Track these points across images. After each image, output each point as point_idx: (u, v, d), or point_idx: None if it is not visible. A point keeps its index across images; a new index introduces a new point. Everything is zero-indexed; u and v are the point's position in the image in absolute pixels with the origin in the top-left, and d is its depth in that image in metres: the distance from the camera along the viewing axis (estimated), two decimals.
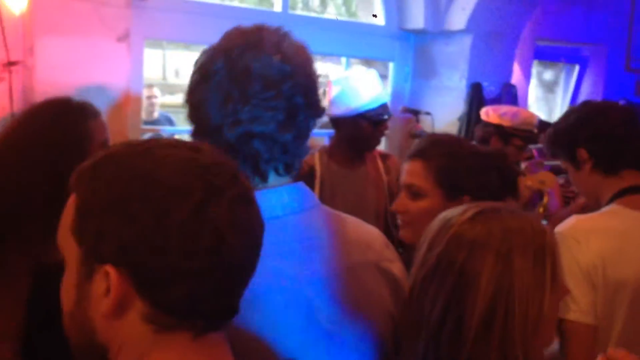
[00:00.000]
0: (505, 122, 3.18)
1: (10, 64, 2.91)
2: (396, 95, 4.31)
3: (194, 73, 1.10)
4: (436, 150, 1.67)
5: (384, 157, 2.98)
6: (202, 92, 1.06)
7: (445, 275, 1.10)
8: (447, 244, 1.11)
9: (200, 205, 0.75)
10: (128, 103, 3.17)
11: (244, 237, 0.80)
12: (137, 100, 3.39)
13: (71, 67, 2.93)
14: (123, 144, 0.84)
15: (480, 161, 1.68)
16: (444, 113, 4.19)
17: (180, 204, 0.75)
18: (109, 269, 0.76)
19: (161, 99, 5.16)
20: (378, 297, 1.14)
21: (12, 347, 1.65)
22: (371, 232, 1.22)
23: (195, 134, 1.10)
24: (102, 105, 2.97)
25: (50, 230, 1.67)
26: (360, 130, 2.71)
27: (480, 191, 1.59)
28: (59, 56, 2.90)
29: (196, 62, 1.11)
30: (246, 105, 1.02)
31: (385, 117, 2.78)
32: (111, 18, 3.00)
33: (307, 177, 2.57)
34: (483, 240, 1.09)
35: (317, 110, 1.11)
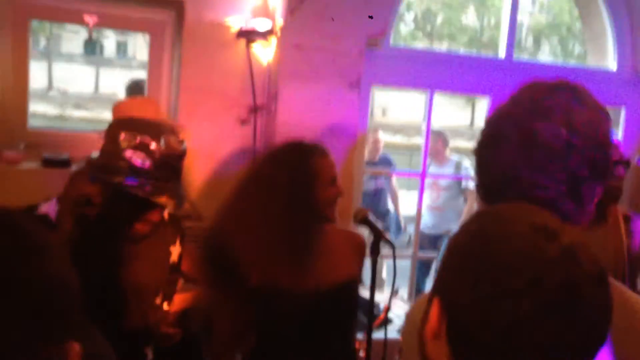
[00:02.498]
0: None
1: (257, 108, 3.26)
2: (628, 142, 4.03)
3: (486, 132, 1.15)
4: None
5: (627, 218, 2.73)
6: (491, 155, 1.10)
7: None
8: None
9: None
10: (355, 145, 3.36)
11: None
12: (362, 142, 3.58)
13: (308, 111, 3.20)
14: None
15: None
16: None
17: None
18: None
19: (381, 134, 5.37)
20: None
21: None
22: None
23: (481, 187, 1.15)
24: (332, 146, 3.20)
25: (291, 254, 1.90)
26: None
27: None
28: (299, 101, 3.18)
29: (487, 122, 1.16)
30: (531, 171, 1.05)
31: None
32: (346, 66, 3.22)
33: None
34: None
35: (604, 176, 1.10)
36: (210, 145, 3.21)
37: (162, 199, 1.70)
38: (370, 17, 3.22)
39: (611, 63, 4.08)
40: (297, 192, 1.95)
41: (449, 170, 4.94)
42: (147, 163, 1.69)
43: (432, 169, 4.87)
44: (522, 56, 19.14)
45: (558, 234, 0.78)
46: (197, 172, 3.17)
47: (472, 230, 0.83)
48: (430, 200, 4.84)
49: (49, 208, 1.72)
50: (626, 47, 4.01)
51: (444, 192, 4.94)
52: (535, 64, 5.00)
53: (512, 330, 0.73)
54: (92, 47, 24.90)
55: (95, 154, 1.78)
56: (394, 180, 5.41)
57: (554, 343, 0.73)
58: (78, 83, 23.96)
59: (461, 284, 0.79)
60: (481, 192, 1.14)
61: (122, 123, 1.77)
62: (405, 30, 21.01)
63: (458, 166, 4.96)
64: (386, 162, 5.07)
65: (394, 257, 1.83)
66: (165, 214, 1.94)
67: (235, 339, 2.03)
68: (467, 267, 0.79)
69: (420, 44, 21.15)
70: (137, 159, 1.68)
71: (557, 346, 0.74)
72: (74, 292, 0.84)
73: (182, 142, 1.78)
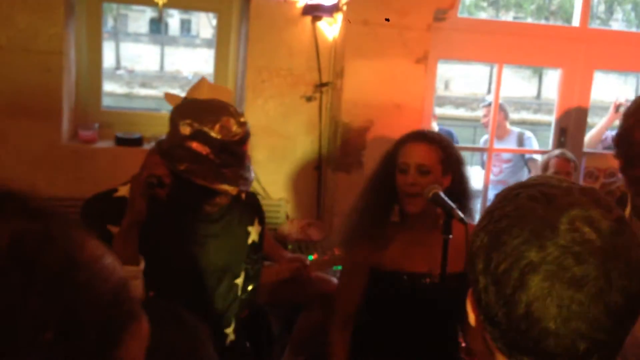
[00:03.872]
0: None
1: (322, 85, 3.26)
2: None
3: (631, 116, 1.11)
4: None
5: None
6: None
7: None
8: None
9: None
10: (420, 120, 3.31)
11: None
12: (428, 117, 3.53)
13: (374, 88, 3.17)
14: None
15: None
16: None
17: None
18: None
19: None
20: None
21: None
22: None
23: (628, 166, 1.11)
24: (399, 123, 3.17)
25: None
26: None
27: None
28: (364, 77, 3.15)
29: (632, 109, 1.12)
30: None
31: None
32: (412, 41, 3.16)
33: (619, 205, 2.38)
34: None
35: None
36: (277, 123, 3.23)
37: (223, 187, 1.71)
38: None
39: None
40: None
41: (510, 143, 4.80)
42: (207, 150, 1.70)
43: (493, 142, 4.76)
44: (594, 24, 18.29)
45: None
46: (264, 149, 3.20)
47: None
48: (493, 174, 4.73)
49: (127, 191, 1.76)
50: None
51: (506, 164, 4.81)
52: (609, 31, 4.78)
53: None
54: (157, 26, 25.40)
55: (163, 137, 1.81)
56: None
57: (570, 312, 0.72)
58: (144, 62, 24.54)
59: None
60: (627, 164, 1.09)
61: (182, 110, 1.77)
62: (469, 0, 20.42)
63: (520, 138, 4.82)
64: (449, 136, 4.99)
65: (466, 235, 1.80)
66: (242, 194, 1.96)
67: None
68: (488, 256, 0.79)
69: (485, 14, 20.53)
70: (197, 146, 1.69)
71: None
72: None
73: (243, 124, 1.77)
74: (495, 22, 3.55)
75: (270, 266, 2.31)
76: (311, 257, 2.80)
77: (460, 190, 2.01)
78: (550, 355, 0.73)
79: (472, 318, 0.83)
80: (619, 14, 21.10)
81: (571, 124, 3.80)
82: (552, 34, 3.74)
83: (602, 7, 20.91)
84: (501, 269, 0.74)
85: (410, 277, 2.00)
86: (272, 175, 3.26)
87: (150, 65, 24.59)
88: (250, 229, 2.00)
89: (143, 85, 22.79)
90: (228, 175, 1.73)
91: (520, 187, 0.81)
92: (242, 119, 1.77)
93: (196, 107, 1.78)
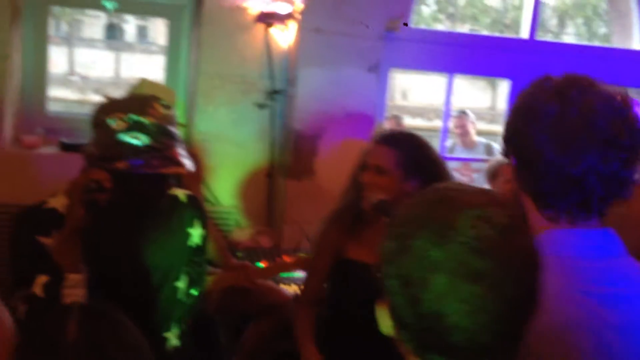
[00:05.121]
0: None
1: (275, 92, 3.24)
2: None
3: (518, 111, 1.12)
4: None
5: None
6: (532, 130, 1.07)
7: None
8: None
9: None
10: (373, 129, 3.33)
11: None
12: (382, 126, 3.55)
13: (327, 96, 3.17)
14: None
15: None
16: None
17: None
18: None
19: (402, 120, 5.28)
20: None
21: None
22: None
23: (522, 168, 1.12)
24: (350, 130, 3.18)
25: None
26: None
27: None
28: (317, 86, 3.15)
29: (517, 104, 1.13)
30: (592, 142, 1.03)
31: None
32: (365, 50, 3.18)
33: None
34: None
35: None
36: (228, 130, 3.20)
37: (172, 169, 1.69)
38: None
39: (636, 43, 3.99)
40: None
41: (479, 154, 4.87)
42: (144, 139, 1.67)
43: (459, 151, 4.79)
44: (546, 37, 18.80)
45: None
46: (215, 156, 3.16)
47: None
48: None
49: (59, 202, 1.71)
50: None
51: (476, 174, 4.87)
52: (558, 44, 4.91)
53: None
54: (113, 32, 24.99)
55: (90, 144, 1.75)
56: None
57: None
58: (99, 68, 24.09)
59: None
60: (522, 168, 1.11)
61: (107, 108, 1.74)
62: (427, 11, 20.75)
63: (489, 149, 4.89)
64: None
65: None
66: (183, 196, 1.93)
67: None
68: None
69: (442, 26, 20.88)
70: (134, 138, 1.66)
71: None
72: None
73: (169, 107, 1.75)
74: (446, 34, 3.60)
75: (212, 273, 2.27)
76: (260, 265, 2.78)
77: None
78: (457, 349, 0.75)
79: (386, 325, 0.83)
80: (571, 28, 21.72)
81: None
82: (502, 46, 3.81)
83: (554, 21, 21.50)
84: (407, 271, 0.76)
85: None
86: (222, 183, 3.22)
87: (104, 72, 24.17)
88: (190, 230, 1.96)
89: (96, 91, 22.36)
90: (172, 157, 1.70)
91: (423, 192, 0.83)
92: (165, 104, 1.76)
93: (120, 102, 1.76)
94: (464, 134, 4.61)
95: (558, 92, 1.07)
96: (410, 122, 20.36)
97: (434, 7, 20.54)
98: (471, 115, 4.84)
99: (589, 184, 1.02)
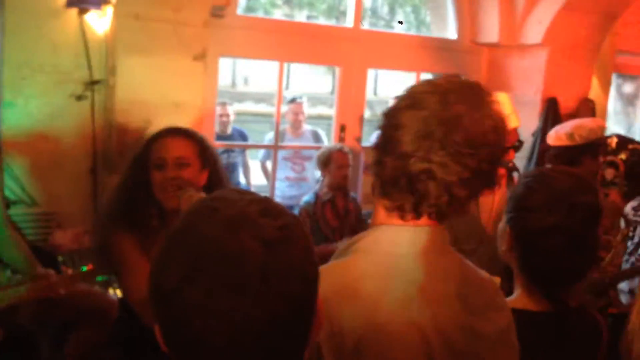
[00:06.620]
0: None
1: (93, 82, 3.04)
2: None
3: (404, 98, 1.09)
4: None
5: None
6: (405, 117, 1.05)
7: None
8: None
9: None
10: (202, 119, 3.25)
11: None
12: (211, 116, 3.48)
13: (150, 86, 3.03)
14: None
15: None
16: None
17: None
18: None
19: (230, 107, 5.21)
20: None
21: None
22: (486, 278, 1.19)
23: (378, 148, 1.10)
24: (178, 121, 3.07)
25: None
26: None
27: None
28: (139, 75, 3.00)
29: (407, 90, 1.10)
30: (442, 149, 1.02)
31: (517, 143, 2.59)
32: (189, 38, 3.08)
33: None
34: None
35: (493, 178, 1.10)
36: (43, 125, 2.95)
37: None
38: None
39: (451, 33, 4.26)
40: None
41: (307, 141, 4.92)
42: None
43: (289, 140, 4.81)
44: (379, 24, 19.62)
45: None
46: (28, 154, 2.91)
47: None
48: (294, 172, 4.81)
49: None
50: (464, 17, 4.20)
51: (308, 162, 4.92)
52: (380, 33, 5.12)
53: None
54: None
55: None
56: (247, 153, 5.33)
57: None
58: None
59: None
60: (379, 150, 1.09)
61: None
62: None
63: (315, 135, 4.96)
64: (240, 135, 4.96)
65: None
66: None
67: None
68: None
69: (280, 12, 21.04)
70: None
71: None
72: None
73: None
74: (273, 21, 3.61)
75: (22, 283, 2.08)
76: (85, 268, 2.61)
77: (218, 187, 1.97)
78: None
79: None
80: (400, 16, 22.85)
81: (349, 120, 3.99)
82: (329, 34, 3.89)
83: (385, 9, 22.49)
84: (168, 288, 0.71)
85: None
86: (39, 182, 2.97)
87: None
88: None
89: None
90: None
91: (196, 205, 0.79)
92: None
93: None
94: (296, 121, 4.65)
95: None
96: (253, 108, 20.34)
97: None
98: (302, 104, 4.89)
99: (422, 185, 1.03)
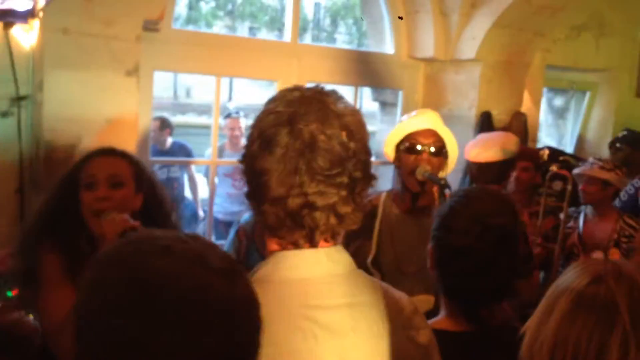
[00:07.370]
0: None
1: (20, 98, 2.92)
2: None
3: (255, 139, 1.06)
4: None
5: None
6: (264, 162, 1.03)
7: None
8: None
9: None
10: (136, 134, 3.17)
11: None
12: (145, 132, 3.40)
13: (80, 102, 2.94)
14: None
15: None
16: None
17: None
18: None
19: (173, 118, 5.12)
20: None
21: None
22: (402, 299, 1.19)
23: (251, 197, 1.09)
24: (110, 137, 2.98)
25: None
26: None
27: None
28: (68, 90, 2.90)
29: (255, 126, 1.08)
30: (312, 180, 1.01)
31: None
32: (121, 52, 3.00)
33: (369, 217, 2.39)
34: None
35: (371, 180, 1.13)
36: None
37: None
38: None
39: (389, 47, 4.31)
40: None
41: None
42: None
43: (227, 155, 4.75)
44: (321, 36, 19.78)
45: None
46: None
47: None
48: (235, 188, 4.75)
49: None
50: (401, 32, 4.26)
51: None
52: (319, 47, 5.14)
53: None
54: None
55: None
56: (193, 167, 5.25)
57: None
58: None
59: None
60: (254, 201, 1.07)
61: None
62: (206, 8, 20.60)
63: None
64: (181, 149, 4.88)
65: None
66: None
67: None
68: None
69: (222, 24, 20.93)
70: None
71: None
72: None
73: None
74: (209, 35, 3.56)
75: None
76: (10, 294, 2.49)
77: (155, 210, 1.92)
78: None
79: None
80: (342, 28, 23.10)
81: None
82: (266, 48, 3.87)
83: (327, 21, 22.71)
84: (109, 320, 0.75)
85: None
86: None
87: None
88: None
89: None
90: None
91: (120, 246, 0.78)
92: None
93: None
94: (235, 136, 4.60)
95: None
96: (196, 120, 20.10)
97: (213, 4, 20.50)
98: (245, 120, 4.85)
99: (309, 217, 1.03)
